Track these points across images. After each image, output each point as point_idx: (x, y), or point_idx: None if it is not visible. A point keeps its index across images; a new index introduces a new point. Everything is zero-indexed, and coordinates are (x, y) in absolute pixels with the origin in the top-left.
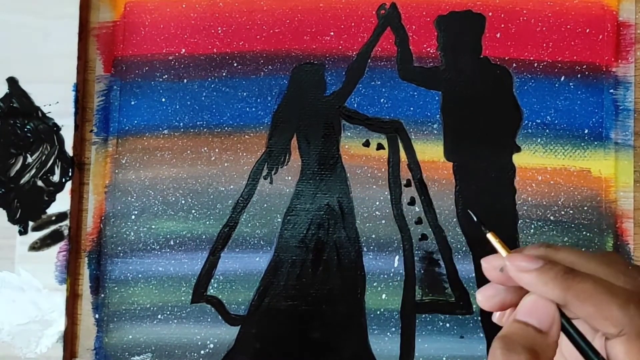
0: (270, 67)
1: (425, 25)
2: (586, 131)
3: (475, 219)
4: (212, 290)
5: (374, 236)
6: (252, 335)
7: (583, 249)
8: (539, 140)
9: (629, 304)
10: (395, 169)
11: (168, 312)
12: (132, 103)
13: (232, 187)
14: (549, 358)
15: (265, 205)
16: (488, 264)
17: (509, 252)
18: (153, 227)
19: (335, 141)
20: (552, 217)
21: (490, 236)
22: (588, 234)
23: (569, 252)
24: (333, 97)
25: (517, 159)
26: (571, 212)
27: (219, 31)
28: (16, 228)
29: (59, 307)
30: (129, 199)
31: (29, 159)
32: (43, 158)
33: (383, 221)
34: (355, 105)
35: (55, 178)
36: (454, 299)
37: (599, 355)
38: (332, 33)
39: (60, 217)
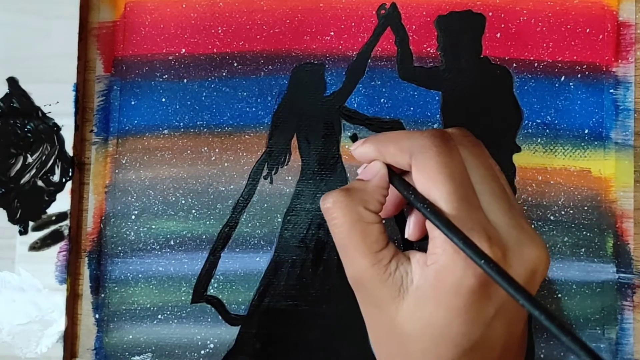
0: (270, 67)
1: (425, 25)
2: (586, 131)
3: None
4: (212, 290)
5: None
6: (253, 335)
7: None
8: (539, 140)
9: (415, 133)
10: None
11: (168, 312)
12: (132, 103)
13: (232, 187)
14: (364, 198)
15: (265, 205)
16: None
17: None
18: (153, 227)
19: (336, 141)
20: (552, 217)
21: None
22: (588, 234)
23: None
24: (333, 97)
25: (517, 159)
26: (571, 212)
27: (219, 31)
28: (16, 228)
29: (59, 307)
30: (129, 199)
31: (29, 159)
32: (43, 158)
33: (383, 221)
34: (356, 105)
35: (56, 178)
36: None
37: (410, 188)
38: (332, 33)
39: (61, 217)
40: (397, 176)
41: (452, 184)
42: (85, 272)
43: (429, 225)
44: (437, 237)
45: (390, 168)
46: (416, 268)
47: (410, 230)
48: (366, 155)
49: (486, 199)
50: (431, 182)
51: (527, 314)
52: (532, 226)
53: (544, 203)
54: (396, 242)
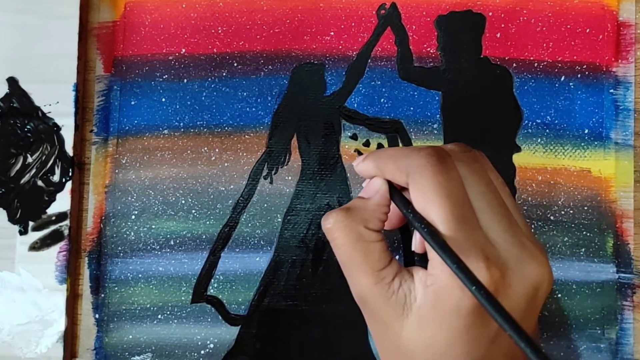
0: (270, 67)
1: (425, 25)
2: (586, 131)
3: None
4: (212, 290)
5: None
6: (253, 335)
7: None
8: (539, 140)
9: (412, 151)
10: None
11: (168, 312)
12: (132, 103)
13: (232, 187)
14: (365, 217)
15: (265, 205)
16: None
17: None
18: (153, 227)
19: (336, 141)
20: (552, 217)
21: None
22: (588, 234)
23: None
24: (333, 97)
25: (517, 158)
26: (571, 212)
27: (219, 31)
28: (16, 228)
29: (59, 307)
30: (129, 199)
31: (29, 159)
32: (43, 158)
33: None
34: (356, 105)
35: (56, 178)
36: None
37: (409, 207)
38: (332, 33)
39: (61, 217)
40: (397, 193)
41: (448, 204)
42: (85, 272)
43: (427, 245)
44: (435, 258)
45: (391, 184)
46: (419, 286)
47: (417, 243)
48: (367, 172)
49: (485, 216)
50: (428, 202)
51: (536, 328)
52: (532, 226)
53: (544, 203)
54: (398, 255)
